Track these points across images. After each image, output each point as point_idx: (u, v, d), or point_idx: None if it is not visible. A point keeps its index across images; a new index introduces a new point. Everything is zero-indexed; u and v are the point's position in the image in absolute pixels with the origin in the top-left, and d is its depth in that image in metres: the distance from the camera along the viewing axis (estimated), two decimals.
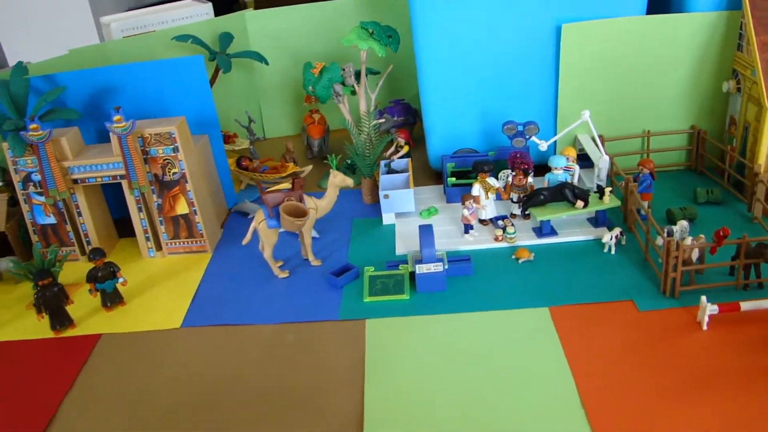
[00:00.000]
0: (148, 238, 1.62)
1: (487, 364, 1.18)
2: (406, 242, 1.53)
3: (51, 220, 1.63)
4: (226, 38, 1.99)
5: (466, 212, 1.52)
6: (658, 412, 1.07)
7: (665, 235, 1.32)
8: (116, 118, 1.49)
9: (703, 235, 1.34)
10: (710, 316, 1.24)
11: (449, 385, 1.14)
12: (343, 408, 1.11)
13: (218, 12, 2.17)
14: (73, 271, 1.56)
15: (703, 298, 1.24)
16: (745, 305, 1.24)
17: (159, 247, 1.62)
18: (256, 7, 5.79)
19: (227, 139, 2.02)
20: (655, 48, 1.67)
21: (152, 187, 1.56)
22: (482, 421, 1.06)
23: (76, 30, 3.50)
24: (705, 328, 1.24)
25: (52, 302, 1.38)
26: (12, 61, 4.17)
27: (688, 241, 1.30)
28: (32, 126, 1.52)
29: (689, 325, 1.25)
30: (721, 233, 1.30)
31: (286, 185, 1.53)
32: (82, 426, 1.15)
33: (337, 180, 1.47)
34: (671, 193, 1.69)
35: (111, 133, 1.52)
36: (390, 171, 1.72)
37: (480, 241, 1.53)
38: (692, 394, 1.10)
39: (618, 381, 1.13)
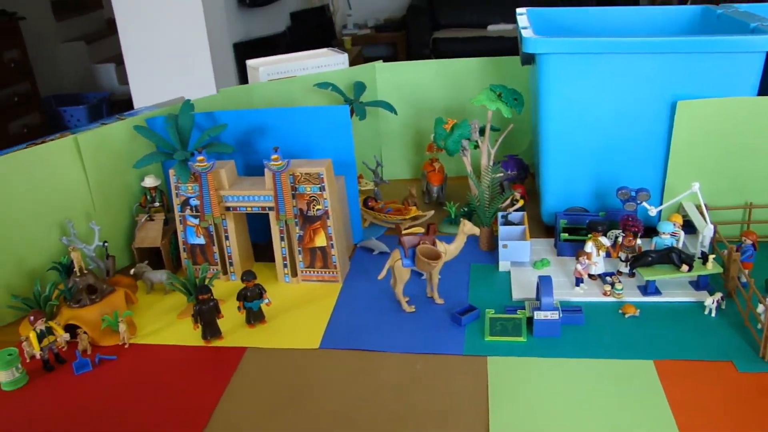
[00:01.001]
0: (285, 265, 1.80)
1: (598, 407, 1.30)
2: (521, 290, 1.67)
3: (201, 240, 1.83)
4: (360, 87, 2.19)
5: (579, 267, 1.65)
6: None
7: (767, 302, 1.43)
8: (274, 156, 1.68)
9: None
10: None
11: (565, 419, 1.26)
12: (471, 425, 1.25)
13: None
14: (217, 288, 1.74)
15: None
16: None
17: (294, 274, 1.80)
18: (354, 46, 6.07)
19: None
20: (763, 127, 1.78)
21: (296, 220, 1.74)
22: None
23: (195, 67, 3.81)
24: None
25: (208, 315, 1.57)
26: (134, 83, 4.54)
27: None
28: (199, 158, 1.73)
29: None
30: None
31: (420, 229, 1.69)
32: (238, 421, 1.31)
33: (467, 228, 1.63)
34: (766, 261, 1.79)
35: (266, 169, 1.71)
36: (507, 222, 1.87)
37: (589, 294, 1.66)
38: None
39: (717, 427, 1.23)
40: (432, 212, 2.01)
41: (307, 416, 1.32)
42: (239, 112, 1.90)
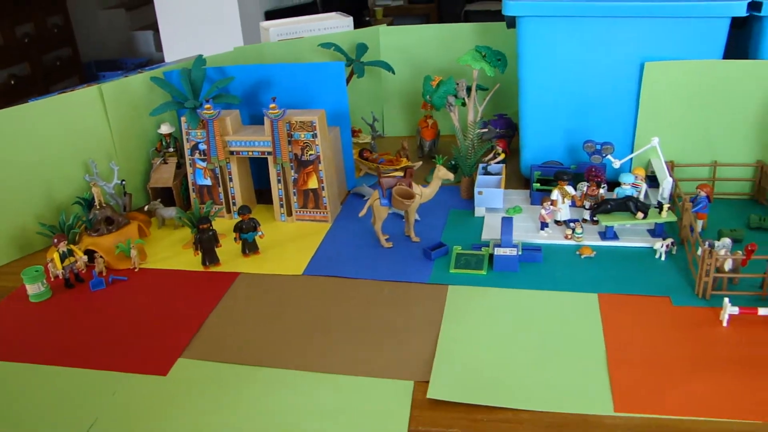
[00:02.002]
0: (282, 205, 1.99)
1: (538, 328, 1.46)
2: (491, 231, 1.84)
3: (208, 182, 2.03)
4: (362, 48, 2.36)
5: (543, 212, 1.81)
6: (672, 382, 1.30)
7: (706, 246, 1.57)
8: (272, 105, 1.87)
9: (740, 252, 1.59)
10: (730, 315, 1.48)
11: (506, 339, 1.43)
12: (422, 340, 1.43)
13: (354, 23, 2.55)
14: (220, 224, 1.94)
15: (726, 299, 1.48)
16: (762, 310, 1.48)
17: (290, 213, 1.99)
18: (386, 17, 6.17)
19: (353, 133, 2.39)
20: (728, 89, 1.89)
21: (291, 164, 1.93)
22: (522, 369, 1.34)
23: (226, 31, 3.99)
24: (725, 324, 1.48)
25: (207, 243, 1.77)
26: (167, 50, 4.75)
27: (722, 252, 1.56)
28: (207, 106, 1.92)
29: (712, 321, 1.49)
30: (749, 248, 1.55)
31: (400, 174, 1.87)
32: (225, 327, 1.52)
33: (441, 173, 1.80)
34: (728, 217, 1.92)
35: (265, 117, 1.90)
36: (487, 173, 2.03)
37: (552, 237, 1.82)
38: (703, 373, 1.32)
39: (642, 353, 1.38)
40: (420, 163, 2.19)
41: (286, 324, 1.52)
42: (246, 66, 2.09)
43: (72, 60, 6.06)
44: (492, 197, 1.91)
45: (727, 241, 1.63)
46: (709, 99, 1.92)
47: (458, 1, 7.69)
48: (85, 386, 1.36)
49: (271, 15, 5.49)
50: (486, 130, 2.15)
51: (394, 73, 2.38)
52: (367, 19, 7.32)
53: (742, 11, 1.81)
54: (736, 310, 1.47)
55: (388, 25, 7.10)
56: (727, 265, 1.57)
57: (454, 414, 1.26)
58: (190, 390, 1.34)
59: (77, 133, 1.98)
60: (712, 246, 1.60)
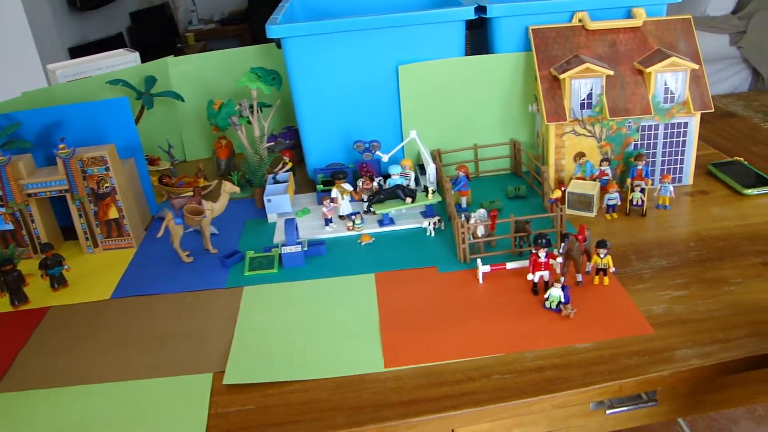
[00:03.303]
0: (87, 238, 2.10)
1: (322, 310, 1.67)
2: (281, 234, 2.04)
3: (9, 226, 2.10)
4: (150, 81, 2.50)
5: (324, 209, 2.04)
6: (434, 335, 1.54)
7: (461, 218, 1.84)
8: (61, 146, 1.98)
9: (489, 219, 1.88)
10: (484, 273, 1.76)
11: (294, 324, 1.63)
12: (220, 337, 1.60)
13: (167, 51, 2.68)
14: (27, 265, 2.02)
15: (479, 260, 1.76)
16: (510, 264, 1.77)
17: (96, 245, 2.10)
18: (198, 41, 6.28)
19: (153, 161, 2.53)
20: (475, 81, 2.20)
21: (89, 198, 2.04)
22: (308, 347, 1.54)
23: (25, 76, 3.97)
24: (481, 281, 1.75)
25: (13, 284, 1.85)
26: None
27: (472, 221, 1.84)
28: None
29: (471, 280, 1.76)
30: (492, 214, 1.84)
31: (190, 193, 2.03)
32: (35, 361, 1.62)
33: (227, 188, 1.98)
34: (491, 191, 2.22)
35: (57, 158, 2.00)
36: (276, 182, 2.23)
37: (337, 231, 2.04)
38: (464, 319, 1.58)
39: (409, 317, 1.62)
40: (216, 182, 2.36)
41: (93, 345, 1.65)
42: (35, 111, 2.17)
43: None
44: (280, 203, 2.11)
45: (481, 211, 1.91)
46: (459, 91, 2.22)
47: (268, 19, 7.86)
48: None
49: (75, 51, 5.45)
50: (274, 143, 2.35)
51: (183, 100, 2.53)
52: (179, 45, 7.37)
53: (471, 15, 2.12)
54: (487, 268, 1.75)
55: (202, 49, 7.19)
56: (480, 231, 1.85)
57: (250, 394, 1.45)
58: (7, 423, 1.44)
59: None
60: (467, 218, 1.87)
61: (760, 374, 1.57)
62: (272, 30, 2.09)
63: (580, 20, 2.11)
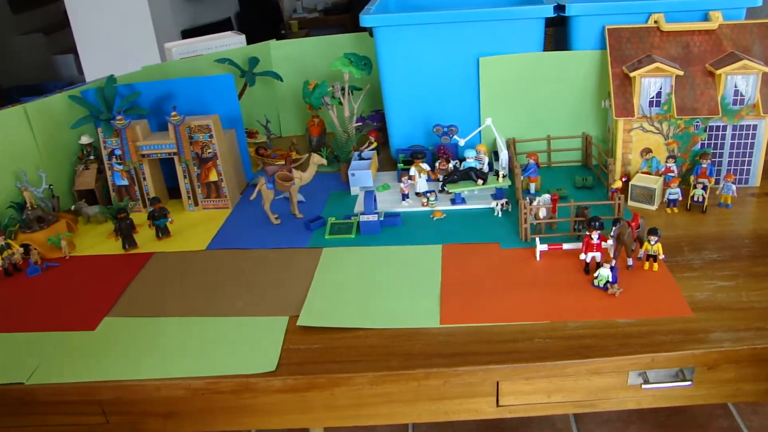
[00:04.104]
0: (189, 197, 2.35)
1: (391, 272, 1.85)
2: (361, 205, 2.24)
3: (125, 182, 2.38)
4: (254, 61, 2.74)
5: (402, 185, 2.22)
6: (488, 301, 1.69)
7: (527, 201, 1.99)
8: (173, 114, 2.24)
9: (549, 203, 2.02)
10: (541, 252, 1.90)
11: (363, 281, 1.82)
12: (298, 287, 1.81)
13: (271, 36, 2.92)
14: (138, 217, 2.28)
15: (537, 239, 1.91)
16: (566, 246, 1.91)
17: (196, 204, 2.35)
18: (302, 29, 6.57)
19: (251, 134, 2.78)
20: (551, 75, 2.34)
21: (194, 161, 2.30)
22: (373, 301, 1.72)
23: (143, 53, 4.31)
24: (538, 258, 1.90)
25: (125, 230, 2.12)
26: (88, 73, 5.05)
27: (535, 204, 1.99)
28: (119, 118, 2.28)
29: (529, 257, 1.90)
30: (553, 197, 1.98)
31: (282, 162, 2.26)
32: (141, 298, 1.87)
33: (315, 159, 2.19)
34: (560, 180, 2.35)
35: (169, 124, 2.26)
36: (361, 159, 2.43)
37: (412, 206, 2.22)
38: (517, 290, 1.72)
39: (468, 283, 1.78)
40: (306, 155, 2.58)
41: (189, 285, 1.89)
42: (151, 83, 2.44)
43: None
44: (363, 177, 2.31)
45: (546, 196, 2.05)
46: (536, 84, 2.36)
47: None
48: (29, 342, 1.71)
49: (187, 33, 5.83)
50: (361, 123, 2.55)
51: (282, 80, 2.77)
52: (283, 32, 7.70)
53: (550, 13, 2.26)
54: (545, 247, 1.90)
55: (305, 36, 7.51)
56: (541, 213, 2.00)
57: (318, 336, 1.65)
58: (116, 340, 1.70)
59: (6, 148, 2.30)
60: (531, 200, 2.02)
61: None
62: (365, 19, 2.29)
63: (655, 21, 2.21)
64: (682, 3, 2.23)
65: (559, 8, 2.27)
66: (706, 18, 2.23)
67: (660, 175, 2.20)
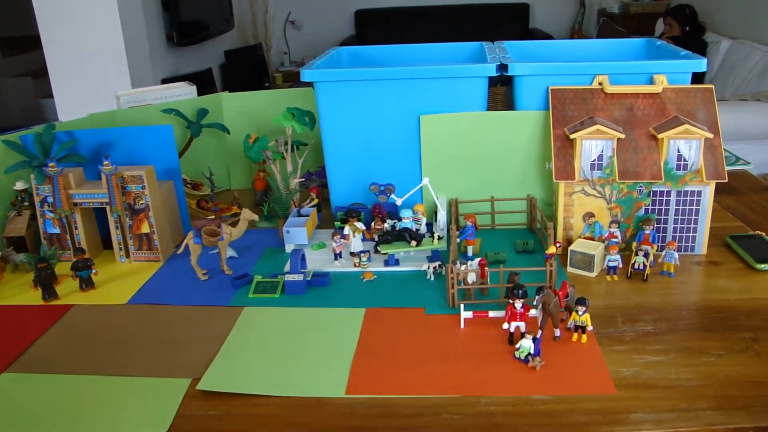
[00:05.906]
0: (120, 248, 2.29)
1: (308, 335, 1.78)
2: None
3: (56, 230, 2.32)
4: (203, 112, 2.71)
5: (334, 244, 2.16)
6: (399, 371, 1.62)
7: (456, 265, 1.93)
8: (105, 163, 2.19)
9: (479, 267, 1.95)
10: (466, 319, 1.83)
11: (277, 344, 1.75)
12: (208, 348, 1.74)
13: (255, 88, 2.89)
14: (65, 267, 2.21)
15: (462, 305, 1.84)
16: (492, 313, 1.84)
17: (128, 255, 2.29)
18: (285, 82, 6.59)
19: (196, 186, 2.73)
20: (495, 135, 2.29)
21: (126, 212, 2.24)
22: (282, 366, 1.65)
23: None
24: (462, 326, 1.83)
25: (45, 280, 2.06)
26: (63, 117, 5.04)
27: (462, 269, 1.92)
28: (51, 164, 2.23)
29: (453, 325, 1.83)
30: (481, 262, 1.92)
31: (213, 216, 2.21)
32: (46, 353, 1.79)
33: (246, 215, 2.14)
34: (502, 243, 2.29)
35: (102, 173, 2.21)
36: (299, 215, 2.37)
37: (344, 266, 2.16)
38: (432, 359, 1.65)
39: (385, 351, 1.70)
40: (247, 210, 2.52)
41: (100, 340, 1.82)
42: (93, 130, 2.41)
43: None
44: (298, 235, 2.25)
45: (477, 260, 1.98)
46: (479, 144, 2.31)
47: None
48: None
49: (167, 82, 5.84)
50: (306, 179, 2.50)
51: (229, 133, 2.73)
52: (267, 84, 7.73)
53: (493, 72, 2.23)
54: (470, 314, 1.83)
55: (288, 88, 7.53)
56: (470, 278, 1.93)
57: (217, 402, 1.57)
58: (6, 398, 1.61)
59: None
60: (461, 265, 1.95)
61: None
62: (305, 74, 2.26)
63: (600, 83, 2.18)
64: (627, 65, 2.21)
65: (503, 67, 2.24)
66: (651, 81, 2.19)
67: (603, 241, 2.15)
